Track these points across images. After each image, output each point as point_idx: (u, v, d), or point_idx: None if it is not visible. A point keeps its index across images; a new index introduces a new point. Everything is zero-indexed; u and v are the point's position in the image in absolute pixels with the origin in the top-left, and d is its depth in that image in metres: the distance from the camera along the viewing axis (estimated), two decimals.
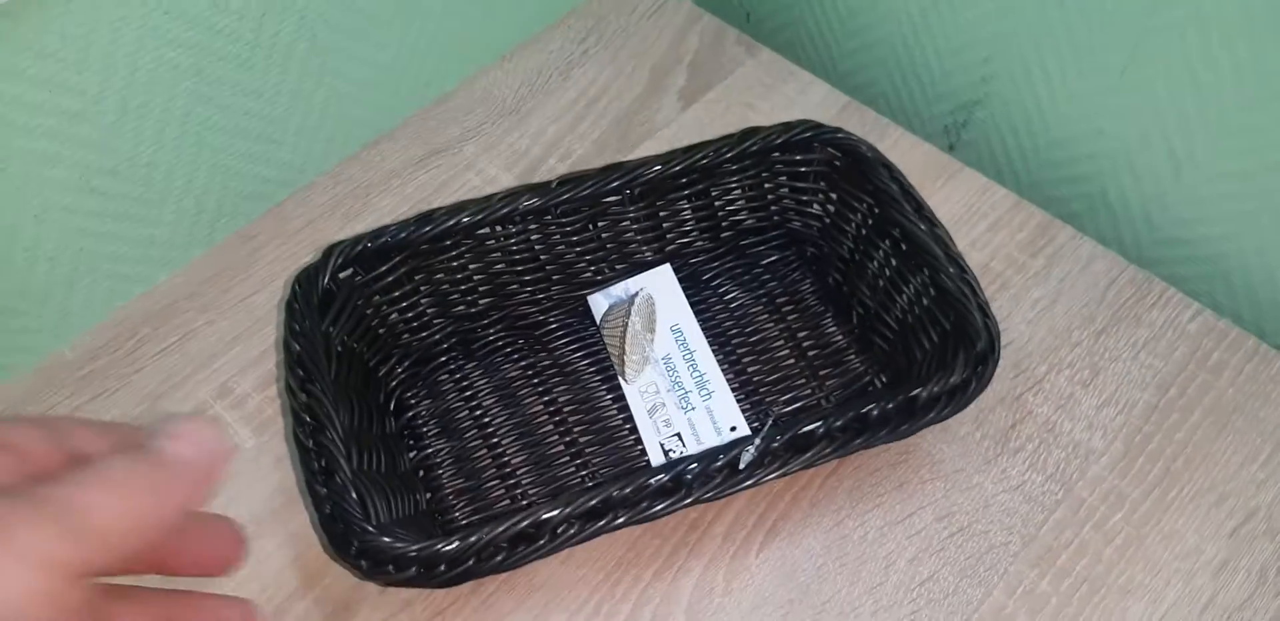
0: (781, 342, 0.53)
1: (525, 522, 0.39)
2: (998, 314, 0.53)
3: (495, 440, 0.50)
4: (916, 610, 0.45)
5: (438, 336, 0.52)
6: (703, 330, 0.52)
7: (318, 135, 0.57)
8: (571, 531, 0.39)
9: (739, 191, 0.54)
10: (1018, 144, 0.63)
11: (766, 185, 0.54)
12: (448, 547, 0.38)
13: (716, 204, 0.54)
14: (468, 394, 0.51)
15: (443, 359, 0.52)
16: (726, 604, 0.45)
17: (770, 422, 0.46)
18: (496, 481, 0.48)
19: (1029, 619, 0.45)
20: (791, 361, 0.52)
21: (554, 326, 0.53)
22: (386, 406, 0.49)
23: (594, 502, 0.39)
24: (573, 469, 0.49)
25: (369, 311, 0.48)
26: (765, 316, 0.53)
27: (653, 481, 0.40)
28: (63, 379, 0.50)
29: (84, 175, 0.47)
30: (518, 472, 0.49)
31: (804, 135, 0.51)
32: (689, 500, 0.40)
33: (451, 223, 0.47)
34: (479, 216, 0.47)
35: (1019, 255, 0.56)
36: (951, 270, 0.46)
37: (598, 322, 0.53)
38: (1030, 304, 0.54)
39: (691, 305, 0.53)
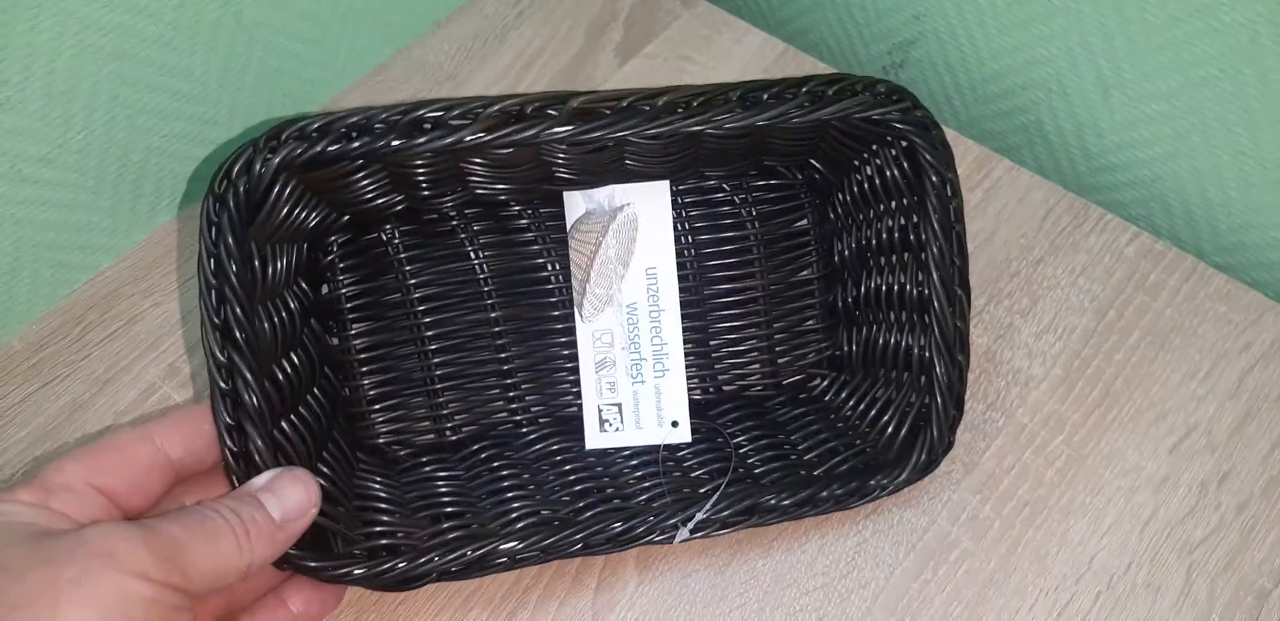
0: (758, 310, 0.50)
1: (481, 552, 0.40)
2: None
3: (429, 345, 0.48)
4: (863, 540, 0.46)
5: (385, 204, 0.46)
6: (680, 277, 0.49)
7: (253, 113, 0.57)
8: (528, 558, 0.41)
9: (788, 137, 0.47)
10: (954, 80, 0.63)
11: (819, 141, 0.47)
12: (399, 566, 0.39)
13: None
14: (411, 283, 0.48)
15: (387, 227, 0.48)
16: (677, 547, 0.46)
17: (719, 494, 0.43)
18: (422, 398, 0.48)
19: (973, 543, 0.46)
20: (755, 338, 0.50)
21: (523, 222, 0.49)
22: (318, 286, 0.47)
23: (552, 540, 0.41)
24: (502, 401, 0.48)
25: (308, 199, 0.42)
26: (750, 280, 0.50)
27: (614, 526, 0.42)
28: (12, 369, 0.51)
29: (14, 164, 0.48)
30: (444, 394, 0.48)
31: (890, 113, 0.41)
32: (642, 542, 0.42)
33: (447, 140, 0.38)
34: (482, 135, 0.38)
35: None
36: (944, 354, 0.43)
37: (568, 228, 0.48)
38: (969, 238, 0.54)
39: (679, 239, 0.49)
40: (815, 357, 0.51)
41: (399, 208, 0.47)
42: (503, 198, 0.48)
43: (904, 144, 0.43)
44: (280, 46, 0.56)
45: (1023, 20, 0.56)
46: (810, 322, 0.51)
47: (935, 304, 0.43)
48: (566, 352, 0.49)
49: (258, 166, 0.38)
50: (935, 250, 0.42)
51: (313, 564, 0.38)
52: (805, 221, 0.51)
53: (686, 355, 0.49)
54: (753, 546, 0.46)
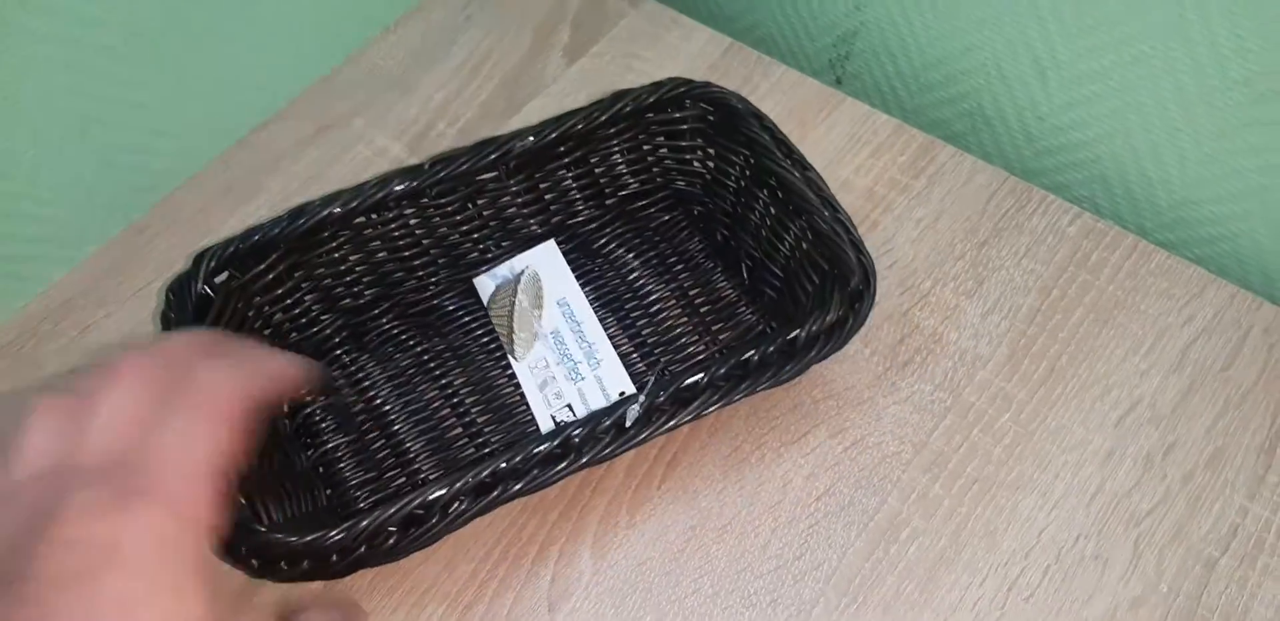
0: (674, 302, 0.53)
1: (414, 504, 0.39)
2: (882, 236, 0.55)
3: (394, 429, 0.50)
4: (814, 523, 0.46)
5: (328, 331, 0.51)
6: (596, 297, 0.52)
7: (204, 122, 0.58)
8: (463, 508, 0.39)
9: (617, 156, 0.54)
10: (897, 70, 0.64)
11: (644, 147, 0.54)
12: (336, 536, 0.38)
13: (597, 171, 0.54)
14: (364, 386, 0.51)
15: (336, 353, 0.52)
16: (631, 535, 0.46)
17: (654, 379, 0.45)
18: (397, 470, 0.49)
19: (924, 521, 0.46)
20: (685, 319, 0.52)
21: (448, 309, 0.53)
22: (279, 407, 0.50)
23: (482, 476, 0.39)
24: (471, 449, 0.49)
25: (250, 314, 0.48)
26: (657, 278, 0.54)
27: (540, 449, 0.40)
28: None
29: None
30: (417, 459, 0.49)
31: (675, 92, 0.50)
32: (579, 464, 0.40)
33: (324, 214, 0.46)
34: (352, 205, 0.46)
35: (901, 177, 0.57)
36: (825, 213, 0.46)
37: (485, 305, 0.53)
38: (914, 223, 0.55)
39: (583, 273, 0.53)
40: (749, 318, 0.52)
41: (342, 334, 0.52)
42: (424, 297, 0.53)
43: (709, 106, 0.50)
44: (230, 56, 0.56)
45: (957, 7, 0.57)
46: (729, 294, 0.53)
47: (804, 193, 0.46)
48: (517, 393, 0.51)
49: (192, 285, 0.44)
50: (780, 157, 0.47)
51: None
52: (684, 220, 0.56)
53: (628, 354, 0.51)
54: (706, 531, 0.46)
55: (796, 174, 0.47)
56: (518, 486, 0.39)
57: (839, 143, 0.59)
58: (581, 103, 0.51)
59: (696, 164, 0.54)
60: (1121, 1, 0.50)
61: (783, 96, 0.61)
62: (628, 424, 0.41)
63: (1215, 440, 0.48)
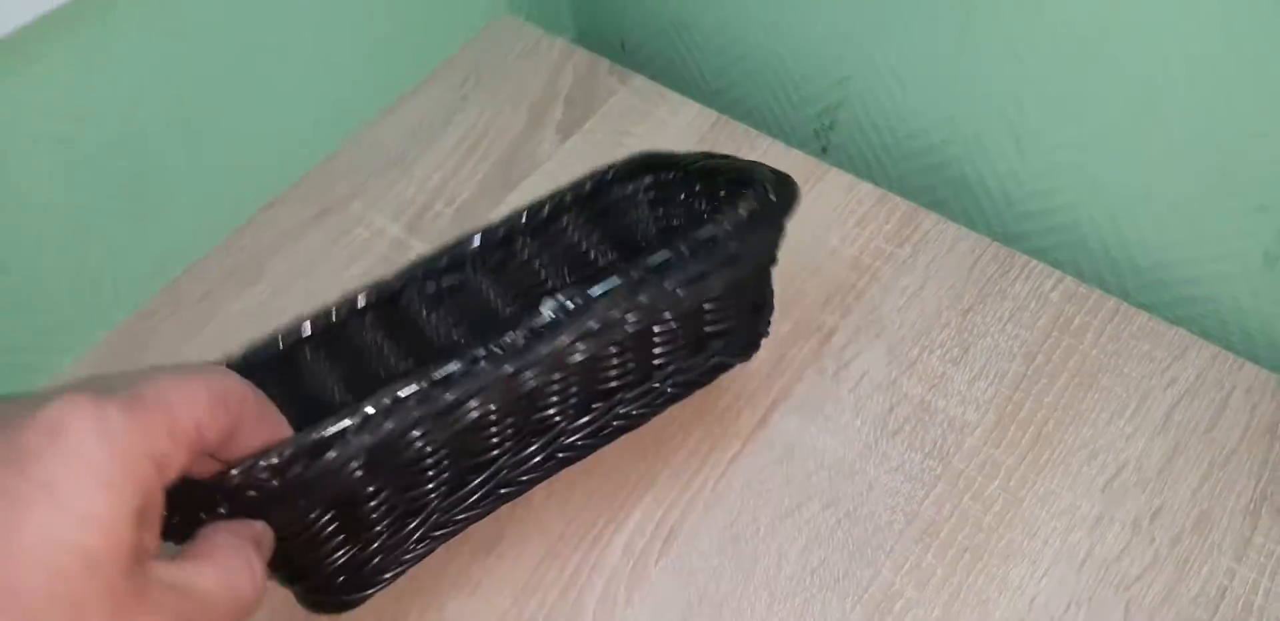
0: None
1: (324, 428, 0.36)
2: (870, 305, 0.56)
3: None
4: (810, 597, 0.47)
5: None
6: None
7: (207, 209, 0.60)
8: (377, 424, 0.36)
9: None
10: (880, 140, 0.65)
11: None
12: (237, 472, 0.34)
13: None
14: None
15: None
16: (629, 615, 0.47)
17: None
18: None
19: (917, 592, 0.47)
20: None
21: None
22: None
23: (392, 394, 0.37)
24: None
25: None
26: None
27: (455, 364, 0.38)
28: None
29: None
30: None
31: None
32: (501, 370, 0.38)
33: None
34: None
35: (886, 246, 0.58)
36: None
37: None
38: (899, 292, 0.57)
39: None
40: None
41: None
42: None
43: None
44: (230, 145, 0.58)
45: (936, 78, 0.59)
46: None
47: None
48: None
49: None
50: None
51: None
52: None
53: None
54: (705, 607, 0.47)
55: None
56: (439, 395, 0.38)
57: (825, 212, 0.60)
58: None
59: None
60: (1092, 76, 0.52)
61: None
62: (544, 317, 0.39)
63: (1201, 503, 0.49)
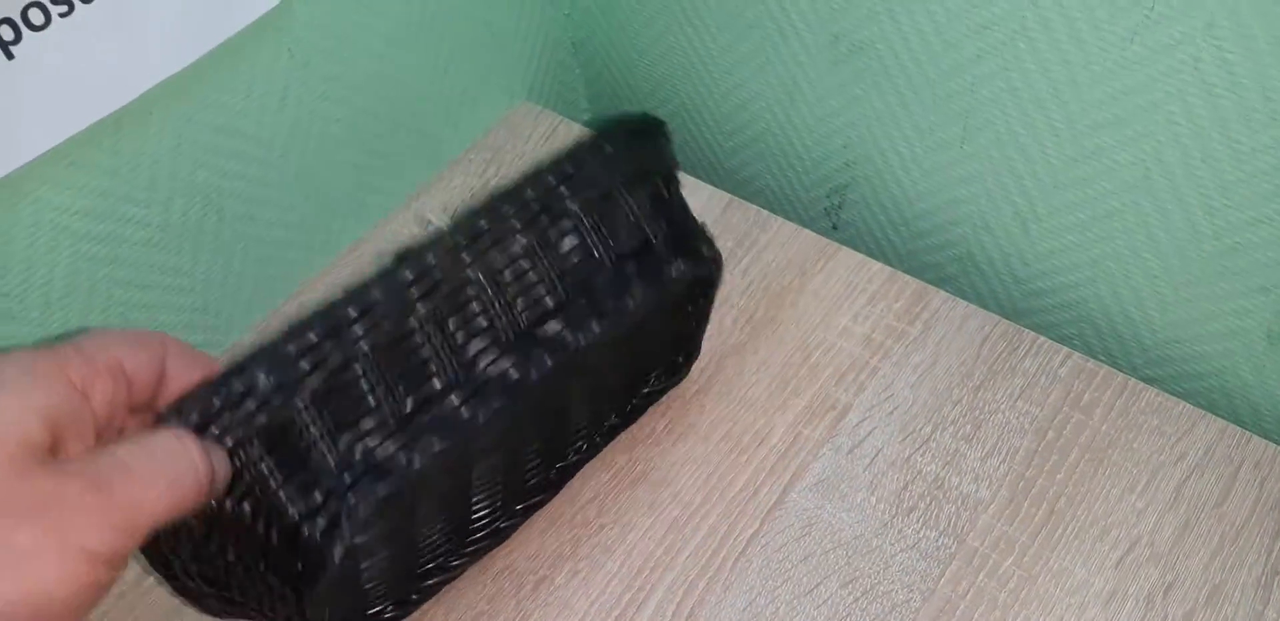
0: None
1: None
2: (883, 382, 0.58)
3: None
4: None
5: None
6: None
7: (239, 298, 0.62)
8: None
9: None
10: (889, 219, 0.67)
11: None
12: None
13: None
14: None
15: None
16: None
17: None
18: None
19: None
20: None
21: None
22: None
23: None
24: None
25: None
26: None
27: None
28: None
29: None
30: None
31: None
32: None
33: None
34: None
35: (897, 323, 0.60)
36: None
37: None
38: (911, 369, 0.58)
39: None
40: None
41: None
42: None
43: None
44: (262, 237, 0.61)
45: (941, 165, 0.61)
46: None
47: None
48: None
49: None
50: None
51: None
52: None
53: None
54: None
55: None
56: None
57: (837, 291, 0.62)
58: None
59: None
60: (1091, 164, 0.54)
61: (781, 249, 0.64)
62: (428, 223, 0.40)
63: (1213, 577, 0.50)
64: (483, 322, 0.42)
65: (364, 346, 0.39)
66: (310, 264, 0.66)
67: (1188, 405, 0.55)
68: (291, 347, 0.38)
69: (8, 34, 0.42)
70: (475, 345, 0.42)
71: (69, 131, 0.47)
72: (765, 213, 0.66)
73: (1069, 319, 0.62)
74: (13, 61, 0.43)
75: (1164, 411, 0.55)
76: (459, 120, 0.71)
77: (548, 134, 0.73)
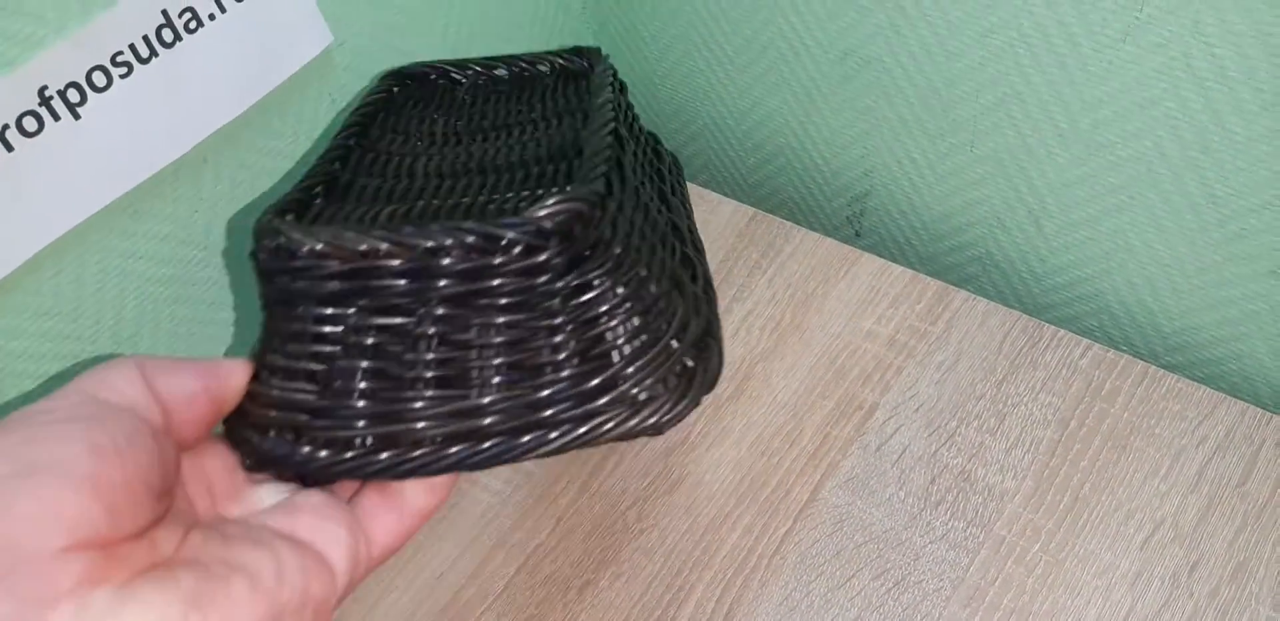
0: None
1: None
2: (908, 381, 0.60)
3: None
4: None
5: None
6: None
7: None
8: None
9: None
10: (909, 224, 0.70)
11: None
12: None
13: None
14: None
15: None
16: None
17: None
18: None
19: None
20: None
21: None
22: None
23: None
24: None
25: None
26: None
27: None
28: None
29: None
30: None
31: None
32: None
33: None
34: None
35: (920, 324, 0.62)
36: None
37: None
38: (935, 367, 0.60)
39: None
40: None
41: None
42: None
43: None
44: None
45: (954, 169, 0.63)
46: None
47: None
48: None
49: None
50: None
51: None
52: None
53: None
54: None
55: None
56: None
57: (861, 295, 0.64)
58: None
59: None
60: (1097, 160, 0.56)
61: (805, 257, 0.67)
62: None
63: (1237, 555, 0.51)
64: None
65: None
66: None
67: (1208, 389, 0.57)
68: None
69: (74, 97, 0.46)
70: None
71: (131, 183, 0.51)
72: (789, 224, 0.69)
73: (1088, 311, 0.64)
74: (80, 121, 0.47)
75: (1185, 396, 0.57)
76: None
77: None
